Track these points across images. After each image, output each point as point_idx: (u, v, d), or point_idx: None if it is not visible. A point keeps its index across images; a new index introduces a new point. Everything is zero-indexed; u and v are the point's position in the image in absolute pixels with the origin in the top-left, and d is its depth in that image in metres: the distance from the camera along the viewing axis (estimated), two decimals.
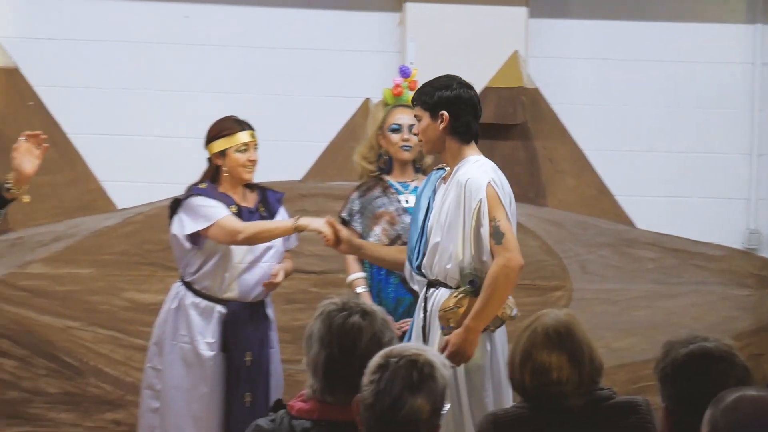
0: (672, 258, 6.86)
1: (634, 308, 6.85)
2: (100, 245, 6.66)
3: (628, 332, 6.77)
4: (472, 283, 4.88)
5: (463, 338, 4.83)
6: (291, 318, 6.24)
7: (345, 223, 5.61)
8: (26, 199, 5.25)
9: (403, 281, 5.39)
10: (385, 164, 5.67)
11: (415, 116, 5.08)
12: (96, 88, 6.72)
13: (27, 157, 5.12)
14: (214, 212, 5.36)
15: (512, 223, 4.90)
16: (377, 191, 5.65)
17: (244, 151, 5.45)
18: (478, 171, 4.90)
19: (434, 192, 5.07)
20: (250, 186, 5.57)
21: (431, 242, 4.97)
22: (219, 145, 5.46)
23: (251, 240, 5.35)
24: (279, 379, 5.61)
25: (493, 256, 4.82)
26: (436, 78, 5.02)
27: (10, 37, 6.61)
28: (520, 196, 6.86)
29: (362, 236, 5.55)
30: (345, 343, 3.37)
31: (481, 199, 4.81)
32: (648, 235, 6.92)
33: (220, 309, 5.46)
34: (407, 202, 5.62)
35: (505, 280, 4.80)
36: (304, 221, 5.24)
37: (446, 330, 4.91)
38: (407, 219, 5.59)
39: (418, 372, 3.05)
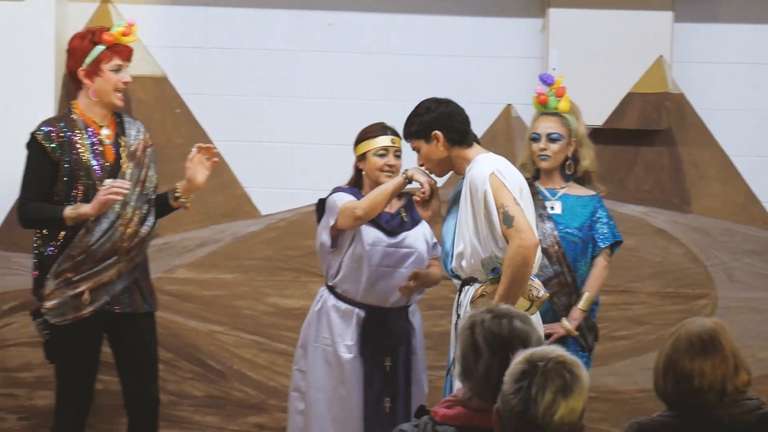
0: None
1: None
2: (244, 251, 6.75)
3: None
4: (494, 270, 4.97)
5: None
6: (432, 324, 6.23)
7: None
8: (189, 205, 5.40)
9: None
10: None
11: (413, 149, 5.20)
12: (241, 96, 6.79)
13: (199, 168, 5.32)
14: (339, 203, 5.45)
15: (526, 212, 4.97)
16: None
17: (383, 155, 5.52)
18: (481, 166, 5.03)
19: None
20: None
21: (457, 247, 5.07)
22: (361, 148, 5.57)
23: (370, 209, 5.40)
24: (422, 387, 5.60)
25: (507, 241, 4.91)
26: (414, 108, 5.21)
27: (158, 45, 6.72)
28: (665, 203, 6.77)
29: None
30: (494, 347, 3.34)
31: (486, 190, 4.93)
32: None
33: (359, 312, 5.50)
34: (552, 209, 5.62)
35: (522, 259, 4.88)
36: (412, 170, 5.30)
37: None
38: (549, 225, 5.57)
39: (568, 373, 3.00)
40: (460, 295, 5.11)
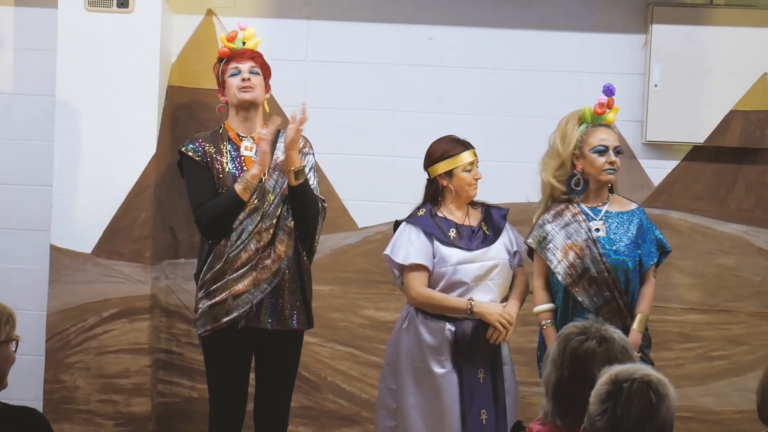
0: None
1: None
2: (340, 263, 6.77)
3: None
4: None
5: None
6: (526, 340, 6.20)
7: (531, 252, 5.55)
8: (300, 173, 5.34)
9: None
10: (579, 185, 5.47)
11: None
12: (341, 109, 6.83)
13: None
14: (411, 257, 5.49)
15: None
16: (568, 216, 5.51)
17: (470, 170, 5.52)
18: None
19: None
20: (473, 203, 5.62)
21: None
22: (444, 166, 5.54)
23: (423, 305, 5.47)
24: (515, 397, 5.57)
25: None
26: None
27: None
28: (766, 222, 6.67)
29: (552, 269, 5.45)
30: (577, 367, 3.34)
31: None
32: None
33: (449, 327, 5.49)
34: (597, 230, 5.44)
35: None
36: (479, 309, 5.36)
37: None
38: (596, 251, 5.38)
39: (654, 393, 2.99)
40: None
